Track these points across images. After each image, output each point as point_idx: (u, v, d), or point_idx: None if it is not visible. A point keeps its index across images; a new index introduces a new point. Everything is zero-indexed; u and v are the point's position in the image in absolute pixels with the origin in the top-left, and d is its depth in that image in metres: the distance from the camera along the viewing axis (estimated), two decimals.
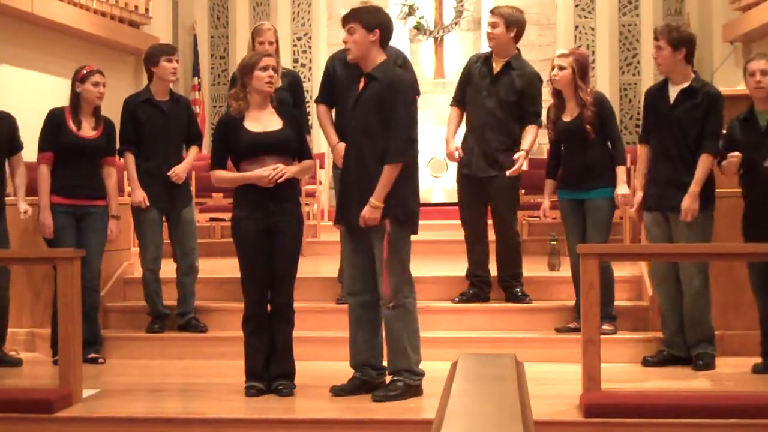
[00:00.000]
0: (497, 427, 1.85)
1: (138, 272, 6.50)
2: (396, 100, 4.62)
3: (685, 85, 5.34)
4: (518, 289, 6.10)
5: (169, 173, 5.98)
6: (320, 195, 9.57)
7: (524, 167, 6.40)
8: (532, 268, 6.45)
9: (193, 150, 6.20)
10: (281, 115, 4.92)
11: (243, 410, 4.60)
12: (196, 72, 12.19)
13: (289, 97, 5.84)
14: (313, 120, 7.07)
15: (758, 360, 5.25)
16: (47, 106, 5.94)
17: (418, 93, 5.04)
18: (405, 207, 4.66)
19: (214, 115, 12.20)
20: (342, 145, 5.24)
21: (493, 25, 6.03)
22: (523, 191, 7.79)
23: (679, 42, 5.30)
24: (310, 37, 12.22)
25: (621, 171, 5.68)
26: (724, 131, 5.44)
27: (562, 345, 5.62)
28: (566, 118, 5.75)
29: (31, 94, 8.80)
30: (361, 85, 4.76)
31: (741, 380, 5.09)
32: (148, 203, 5.96)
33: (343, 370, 4.87)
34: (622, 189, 5.63)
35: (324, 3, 12.09)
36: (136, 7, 10.93)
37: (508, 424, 1.86)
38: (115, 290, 6.57)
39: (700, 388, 4.96)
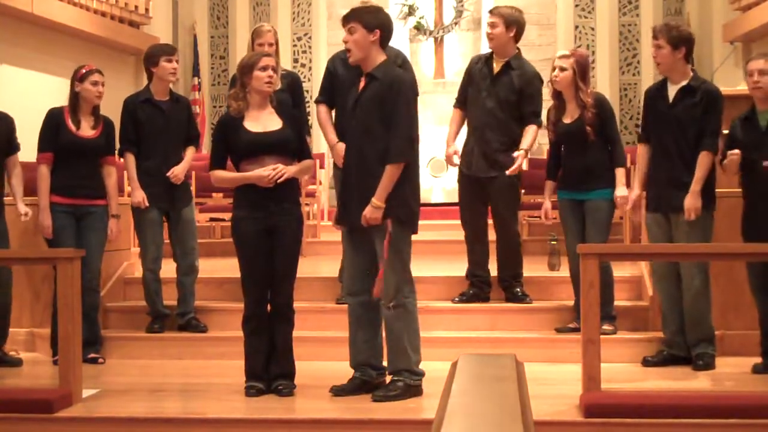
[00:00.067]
0: (497, 427, 1.85)
1: (138, 272, 6.50)
2: (397, 100, 4.63)
3: (684, 83, 5.34)
4: (518, 289, 6.10)
5: (167, 174, 5.98)
6: (320, 195, 9.57)
7: (524, 167, 6.39)
8: (532, 268, 6.45)
9: (190, 150, 6.20)
10: (281, 115, 4.92)
11: (243, 410, 4.60)
12: (196, 72, 12.19)
13: (288, 99, 5.84)
14: (313, 120, 7.06)
15: (758, 360, 5.26)
16: (47, 106, 5.93)
17: (416, 93, 5.03)
18: (406, 207, 4.66)
19: (214, 115, 12.19)
20: (341, 145, 5.24)
21: (493, 26, 6.03)
22: (523, 191, 7.79)
23: (679, 41, 5.30)
24: (310, 37, 12.22)
25: (620, 173, 5.68)
26: (727, 131, 5.44)
27: (562, 345, 5.62)
28: (566, 120, 5.75)
29: (31, 94, 8.79)
30: (362, 85, 4.76)
31: (741, 380, 5.10)
32: (147, 203, 5.96)
33: (343, 370, 4.87)
34: (621, 191, 5.63)
35: (324, 3, 12.09)
36: (136, 7, 10.92)
37: (508, 424, 1.86)
38: (115, 290, 6.57)
39: (700, 388, 4.96)
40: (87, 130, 5.78)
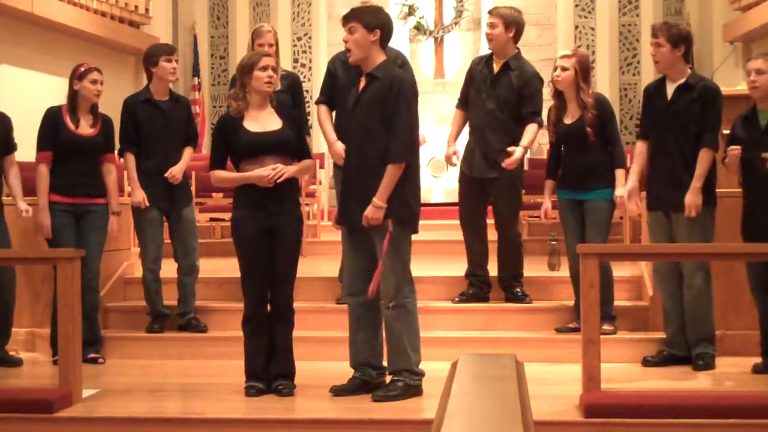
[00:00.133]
0: (497, 427, 1.85)
1: (138, 272, 6.50)
2: (397, 100, 4.63)
3: (682, 81, 5.34)
4: (518, 289, 6.10)
5: (165, 174, 5.98)
6: (320, 195, 9.57)
7: (524, 167, 6.39)
8: (532, 268, 6.45)
9: (188, 150, 6.18)
10: (281, 115, 4.92)
11: (243, 410, 4.60)
12: (196, 72, 12.20)
13: (288, 99, 5.84)
14: (313, 120, 7.07)
15: (758, 360, 5.25)
16: (47, 105, 5.93)
17: (417, 93, 5.03)
18: (407, 207, 4.66)
19: (214, 115, 12.20)
20: (340, 144, 5.24)
21: (492, 26, 6.03)
22: (523, 191, 7.78)
23: (678, 39, 5.30)
24: (310, 38, 12.22)
25: (620, 174, 5.68)
26: (728, 131, 5.43)
27: (562, 345, 5.61)
28: (567, 121, 5.74)
29: (31, 93, 8.79)
30: (362, 85, 4.76)
31: (741, 380, 5.09)
32: (147, 203, 5.96)
33: (343, 370, 4.87)
34: (620, 191, 5.62)
35: (324, 3, 12.09)
36: (136, 7, 10.93)
37: (508, 424, 1.86)
38: (115, 290, 6.57)
39: (700, 388, 4.96)
40: (86, 128, 5.78)
